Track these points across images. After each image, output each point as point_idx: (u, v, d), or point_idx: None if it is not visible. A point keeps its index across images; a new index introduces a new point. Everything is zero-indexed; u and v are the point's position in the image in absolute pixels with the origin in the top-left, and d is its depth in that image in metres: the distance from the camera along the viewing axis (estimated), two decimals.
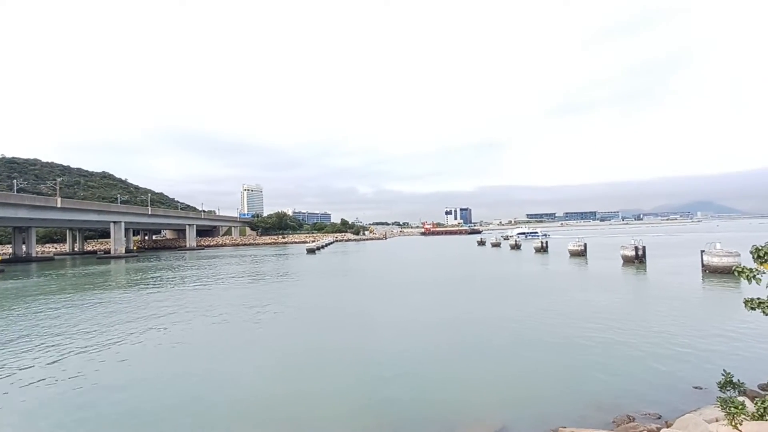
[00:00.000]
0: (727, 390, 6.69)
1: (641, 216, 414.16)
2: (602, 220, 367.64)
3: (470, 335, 15.93)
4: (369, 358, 13.57)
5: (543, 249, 58.24)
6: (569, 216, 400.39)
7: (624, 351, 13.20)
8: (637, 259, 38.34)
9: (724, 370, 7.04)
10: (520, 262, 47.82)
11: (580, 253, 48.25)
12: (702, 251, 31.62)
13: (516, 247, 69.12)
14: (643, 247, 39.08)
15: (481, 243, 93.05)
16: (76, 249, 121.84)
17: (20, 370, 13.57)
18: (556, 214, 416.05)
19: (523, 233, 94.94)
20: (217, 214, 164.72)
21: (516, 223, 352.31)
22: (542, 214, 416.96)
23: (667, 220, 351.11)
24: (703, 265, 30.85)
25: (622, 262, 39.07)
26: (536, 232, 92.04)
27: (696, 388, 10.19)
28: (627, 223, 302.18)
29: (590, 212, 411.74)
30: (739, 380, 6.78)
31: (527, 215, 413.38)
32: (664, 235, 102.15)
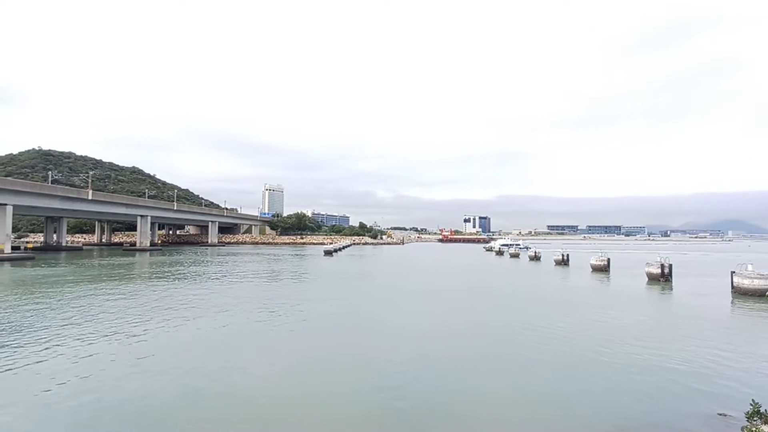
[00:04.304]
0: (754, 420, 6.39)
1: (668, 232, 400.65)
2: (627, 235, 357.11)
3: (485, 348, 15.71)
4: (380, 364, 13.55)
5: (564, 262, 56.95)
6: (592, 229, 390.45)
7: (647, 373, 12.74)
8: (662, 278, 37.03)
9: (752, 400, 6.74)
10: (539, 274, 46.90)
11: (603, 269, 46.91)
12: (732, 272, 30.30)
13: (535, 258, 67.89)
14: (670, 265, 37.73)
15: (499, 253, 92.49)
16: (103, 240, 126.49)
17: (33, 354, 14.15)
18: (579, 227, 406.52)
19: (507, 244, 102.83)
20: (239, 212, 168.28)
21: (536, 234, 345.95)
22: (564, 226, 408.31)
23: (696, 237, 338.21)
24: (733, 287, 29.55)
25: (646, 279, 37.81)
26: (518, 244, 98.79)
27: (721, 415, 9.74)
28: (653, 239, 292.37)
29: (614, 226, 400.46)
30: (766, 410, 6.47)
31: (548, 227, 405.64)
32: (692, 253, 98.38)
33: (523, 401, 10.65)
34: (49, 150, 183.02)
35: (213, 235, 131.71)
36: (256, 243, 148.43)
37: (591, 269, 47.94)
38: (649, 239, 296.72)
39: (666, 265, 37.53)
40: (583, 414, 9.86)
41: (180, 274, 42.51)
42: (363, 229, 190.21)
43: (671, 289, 32.73)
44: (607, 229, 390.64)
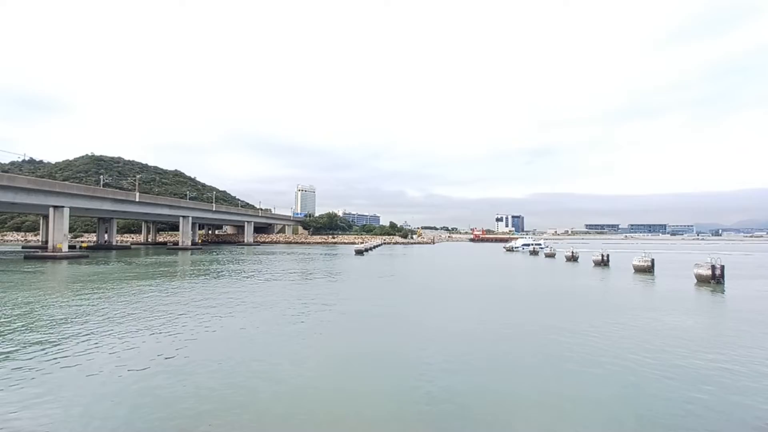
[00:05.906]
0: None
1: (720, 231, 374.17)
2: (673, 234, 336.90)
3: (521, 350, 15.38)
4: (413, 364, 13.58)
5: (603, 263, 54.59)
6: (635, 228, 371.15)
7: (694, 379, 12.04)
8: (713, 279, 34.68)
9: None
10: (576, 275, 45.23)
11: (647, 270, 44.55)
12: None
13: (573, 259, 65.51)
14: (722, 266, 35.28)
15: (534, 253, 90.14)
16: (149, 239, 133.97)
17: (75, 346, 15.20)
18: (620, 226, 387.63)
19: (527, 244, 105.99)
20: (273, 212, 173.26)
21: (573, 233, 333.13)
22: (603, 225, 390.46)
23: (752, 236, 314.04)
24: None
25: (695, 281, 35.58)
26: (540, 244, 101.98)
27: None
28: (702, 239, 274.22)
29: (659, 225, 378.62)
30: None
31: (586, 225, 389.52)
32: (746, 253, 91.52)
33: (561, 406, 10.35)
34: (101, 155, 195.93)
35: (249, 235, 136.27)
36: (290, 242, 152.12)
37: (633, 270, 45.69)
38: (697, 238, 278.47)
39: (717, 266, 35.15)
40: (626, 422, 9.47)
41: (218, 271, 44.32)
42: (393, 229, 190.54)
43: (723, 292, 30.65)
44: (652, 228, 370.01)
